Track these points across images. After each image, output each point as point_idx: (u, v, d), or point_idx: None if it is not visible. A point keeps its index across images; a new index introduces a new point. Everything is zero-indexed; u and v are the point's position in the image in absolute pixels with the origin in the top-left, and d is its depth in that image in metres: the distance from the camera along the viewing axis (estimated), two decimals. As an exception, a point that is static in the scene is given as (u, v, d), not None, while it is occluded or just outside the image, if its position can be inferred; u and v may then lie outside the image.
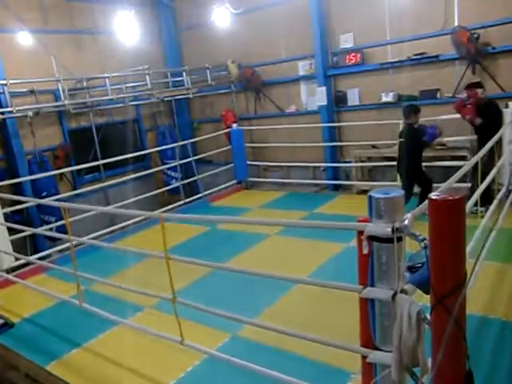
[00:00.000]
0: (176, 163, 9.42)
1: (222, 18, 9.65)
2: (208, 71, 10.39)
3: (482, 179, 5.11)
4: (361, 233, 2.33)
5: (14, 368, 4.33)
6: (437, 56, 7.78)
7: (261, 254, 6.19)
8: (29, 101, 8.28)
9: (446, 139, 7.36)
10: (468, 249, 3.33)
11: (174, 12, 11.33)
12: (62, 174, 8.86)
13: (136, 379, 3.89)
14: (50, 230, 7.53)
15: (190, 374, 3.82)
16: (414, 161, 6.49)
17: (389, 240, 2.19)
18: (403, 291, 2.17)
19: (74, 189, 8.87)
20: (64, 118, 9.18)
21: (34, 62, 8.52)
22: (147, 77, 9.55)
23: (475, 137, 6.70)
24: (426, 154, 6.93)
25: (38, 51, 8.57)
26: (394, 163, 6.99)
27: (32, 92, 8.27)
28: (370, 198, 2.26)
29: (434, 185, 6.25)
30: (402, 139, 6.66)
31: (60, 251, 7.08)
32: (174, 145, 9.50)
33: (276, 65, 9.94)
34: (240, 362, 3.33)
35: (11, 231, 6.15)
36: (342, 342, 2.87)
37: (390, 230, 2.16)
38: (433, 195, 2.01)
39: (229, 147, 10.06)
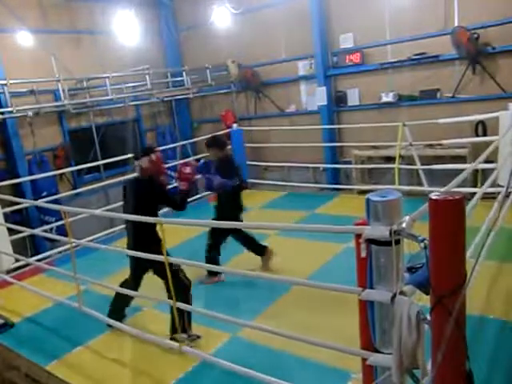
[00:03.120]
0: (176, 163, 9.40)
1: (221, 18, 9.64)
2: (208, 71, 10.38)
3: None
4: (359, 236, 2.32)
5: (14, 368, 4.33)
6: (437, 56, 7.78)
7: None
8: (29, 101, 8.24)
9: (445, 141, 7.34)
10: (469, 251, 3.33)
11: (174, 12, 11.32)
12: (61, 174, 8.85)
13: (136, 379, 3.90)
14: (50, 229, 7.55)
15: (191, 374, 3.83)
16: None
17: (387, 243, 2.18)
18: (402, 293, 2.17)
19: (74, 188, 8.85)
20: (64, 118, 9.15)
21: (34, 62, 8.49)
22: (147, 77, 9.54)
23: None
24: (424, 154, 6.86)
25: (38, 51, 8.54)
26: (394, 165, 6.89)
27: (32, 92, 8.24)
28: (368, 200, 2.24)
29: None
30: None
31: (60, 252, 7.08)
32: (174, 145, 9.48)
33: (276, 65, 9.92)
34: (239, 369, 3.32)
35: (11, 231, 6.15)
36: (343, 344, 2.86)
37: (387, 232, 2.15)
38: (433, 195, 2.01)
39: (229, 147, 10.05)
